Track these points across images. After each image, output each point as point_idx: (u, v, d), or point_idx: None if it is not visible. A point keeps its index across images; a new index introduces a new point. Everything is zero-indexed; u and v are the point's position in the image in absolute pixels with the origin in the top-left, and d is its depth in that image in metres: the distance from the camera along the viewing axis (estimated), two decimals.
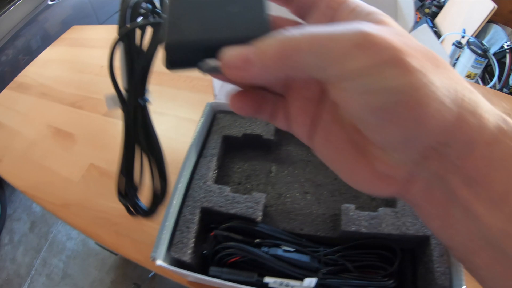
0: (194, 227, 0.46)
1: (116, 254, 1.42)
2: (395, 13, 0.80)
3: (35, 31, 2.07)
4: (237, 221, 0.46)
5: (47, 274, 1.66)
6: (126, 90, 0.31)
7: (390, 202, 0.48)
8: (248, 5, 0.21)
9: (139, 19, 0.28)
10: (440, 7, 2.37)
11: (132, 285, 1.37)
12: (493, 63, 1.81)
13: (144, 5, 0.29)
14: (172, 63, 0.21)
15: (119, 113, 0.33)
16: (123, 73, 0.30)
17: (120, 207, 0.62)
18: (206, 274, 0.44)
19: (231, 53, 0.18)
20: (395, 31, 0.17)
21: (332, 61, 0.16)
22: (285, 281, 0.43)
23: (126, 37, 0.29)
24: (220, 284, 0.41)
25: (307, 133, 0.22)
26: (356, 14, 0.19)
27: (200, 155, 0.56)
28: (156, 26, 0.30)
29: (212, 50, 0.19)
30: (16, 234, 1.84)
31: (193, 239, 0.45)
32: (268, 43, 0.18)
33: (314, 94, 0.22)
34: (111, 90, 0.32)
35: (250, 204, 0.47)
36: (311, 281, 0.42)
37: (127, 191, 0.36)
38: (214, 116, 0.62)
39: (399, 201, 0.46)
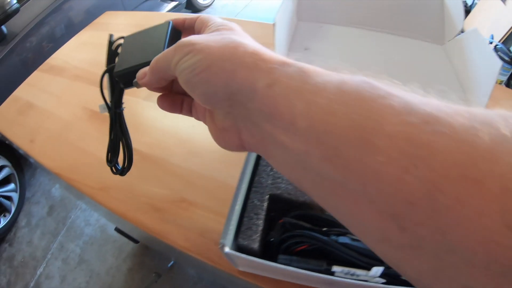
0: (263, 214, 0.44)
1: (136, 242, 1.39)
2: (442, 17, 0.77)
3: (59, 19, 2.07)
4: (306, 209, 0.44)
5: (63, 259, 1.64)
6: (110, 102, 0.47)
7: None
8: (156, 41, 0.34)
9: None
10: (467, 11, 2.33)
11: (152, 274, 1.35)
12: None
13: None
14: (123, 84, 0.38)
15: None
16: (108, 91, 0.45)
17: (164, 192, 0.60)
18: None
19: (138, 73, 0.32)
20: (218, 34, 0.27)
21: (168, 62, 0.27)
22: (352, 270, 0.40)
23: (109, 71, 0.42)
24: (290, 272, 0.38)
25: (203, 117, 0.32)
26: (210, 28, 0.30)
27: None
28: None
29: (135, 72, 0.33)
30: (34, 218, 1.82)
31: (262, 226, 0.43)
32: (151, 63, 0.30)
33: None
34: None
35: None
36: (377, 270, 0.39)
37: (111, 160, 0.52)
38: None
39: None
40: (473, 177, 0.15)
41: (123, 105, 0.49)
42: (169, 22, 0.37)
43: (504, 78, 1.85)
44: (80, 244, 1.66)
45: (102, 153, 0.68)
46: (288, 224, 0.43)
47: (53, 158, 0.73)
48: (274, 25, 0.55)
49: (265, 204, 0.45)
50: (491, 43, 1.87)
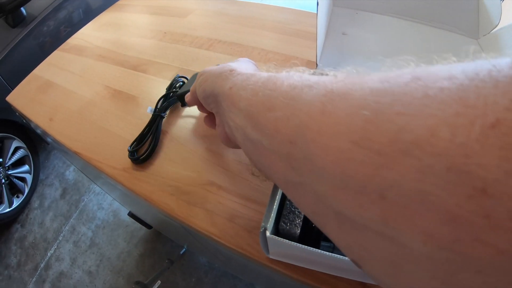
0: None
1: (149, 228, 1.36)
2: (476, 10, 0.72)
3: (77, 4, 2.04)
4: None
5: (74, 241, 1.62)
6: (157, 108, 0.65)
7: None
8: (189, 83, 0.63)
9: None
10: None
11: (166, 261, 1.32)
12: None
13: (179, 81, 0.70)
14: (181, 103, 0.66)
15: None
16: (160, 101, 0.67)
17: (192, 175, 0.56)
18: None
19: (187, 96, 0.47)
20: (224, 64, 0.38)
21: (194, 85, 0.43)
22: None
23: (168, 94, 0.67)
24: (336, 261, 0.34)
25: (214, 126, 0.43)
26: None
27: None
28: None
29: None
30: (46, 200, 1.80)
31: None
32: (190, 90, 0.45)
33: None
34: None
35: None
36: None
37: (134, 147, 0.61)
38: None
39: None
40: (327, 110, 0.18)
41: (166, 114, 0.66)
42: None
43: None
44: (92, 228, 1.64)
45: (126, 133, 0.65)
46: None
47: (72, 137, 0.69)
48: (317, 5, 0.51)
49: None
50: None
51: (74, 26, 2.00)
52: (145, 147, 0.61)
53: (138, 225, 1.25)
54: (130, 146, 0.61)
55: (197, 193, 0.54)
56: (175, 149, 0.61)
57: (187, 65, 0.79)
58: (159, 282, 1.39)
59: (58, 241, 1.64)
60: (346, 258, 0.34)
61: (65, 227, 1.67)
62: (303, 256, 0.37)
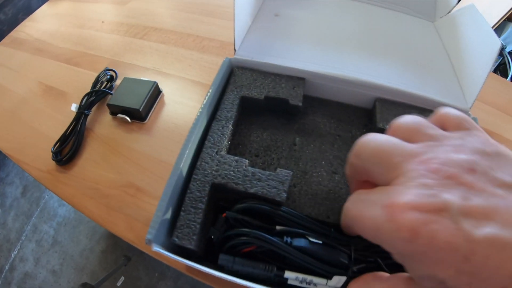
0: (202, 207, 0.36)
1: None
2: None
3: None
4: (254, 201, 0.36)
5: (37, 240, 1.58)
6: (81, 106, 0.61)
7: None
8: (140, 92, 0.60)
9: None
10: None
11: (122, 258, 1.29)
12: (508, 61, 1.73)
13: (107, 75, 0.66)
14: (110, 111, 0.62)
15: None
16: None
17: (112, 177, 0.53)
18: (213, 261, 0.34)
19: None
20: None
21: None
22: (309, 277, 0.33)
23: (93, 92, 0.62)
24: (231, 280, 0.31)
25: None
26: None
27: (212, 118, 0.44)
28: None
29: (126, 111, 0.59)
30: (8, 198, 1.74)
31: (200, 224, 0.35)
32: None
33: None
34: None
35: (274, 183, 0.36)
36: (339, 279, 0.32)
37: (56, 148, 0.58)
38: (232, 73, 0.51)
39: None
40: None
41: (90, 112, 0.62)
42: (154, 82, 0.62)
43: (492, 68, 1.81)
44: (54, 226, 1.60)
45: (53, 133, 0.61)
46: (233, 220, 0.36)
47: (5, 138, 0.65)
48: None
49: (206, 196, 0.36)
50: None
51: (32, 13, 1.92)
52: (69, 147, 0.58)
53: None
54: (54, 147, 0.58)
55: (116, 196, 0.51)
56: (98, 149, 0.58)
57: (119, 56, 0.75)
58: (122, 278, 1.37)
59: (21, 241, 1.60)
60: (240, 281, 0.31)
61: (27, 227, 1.63)
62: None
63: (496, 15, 1.77)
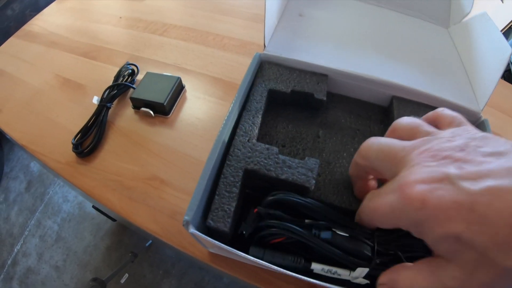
0: (236, 192, 0.37)
1: (114, 220, 1.33)
2: None
3: None
4: (282, 193, 0.37)
5: (40, 236, 1.58)
6: (103, 98, 0.61)
7: None
8: (164, 87, 0.61)
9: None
10: None
11: (129, 254, 1.29)
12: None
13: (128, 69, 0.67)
14: (132, 105, 0.62)
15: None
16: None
17: (135, 169, 0.54)
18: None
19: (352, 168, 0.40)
20: None
21: None
22: (334, 268, 0.34)
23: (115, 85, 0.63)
24: (262, 265, 0.32)
25: None
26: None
27: (243, 108, 0.46)
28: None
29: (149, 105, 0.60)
30: (11, 193, 1.74)
31: (234, 207, 0.36)
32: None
33: None
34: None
35: (303, 170, 0.38)
36: (362, 271, 0.33)
37: (77, 140, 0.58)
38: (261, 66, 0.53)
39: None
40: None
41: (112, 105, 0.63)
42: (178, 78, 0.63)
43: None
44: (58, 221, 1.60)
45: (72, 125, 0.62)
46: (265, 214, 0.36)
47: (20, 129, 0.65)
48: None
49: (240, 181, 0.38)
50: None
51: (40, 9, 1.92)
52: (90, 139, 0.58)
53: (103, 217, 1.22)
54: (74, 139, 0.58)
55: (139, 188, 0.51)
56: (120, 142, 0.58)
57: (139, 52, 0.75)
58: (126, 275, 1.36)
59: (24, 236, 1.59)
60: (271, 266, 0.32)
61: (31, 221, 1.62)
62: (235, 256, 0.35)
63: (502, 22, 1.79)
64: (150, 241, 1.39)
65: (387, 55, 0.56)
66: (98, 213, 1.21)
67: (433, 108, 0.49)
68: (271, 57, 0.53)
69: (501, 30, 1.71)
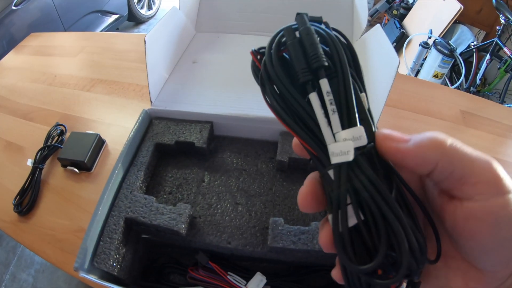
0: (116, 238, 0.47)
1: None
2: (351, 15, 0.81)
3: (0, 36, 2.05)
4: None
5: None
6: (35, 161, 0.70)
7: (323, 216, 0.46)
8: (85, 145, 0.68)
9: None
10: (408, 8, 2.46)
11: None
12: (460, 62, 1.88)
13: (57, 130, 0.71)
14: (61, 164, 0.71)
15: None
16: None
17: (65, 223, 0.65)
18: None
19: None
20: None
21: None
22: None
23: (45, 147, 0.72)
24: None
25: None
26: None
27: (131, 163, 0.56)
28: None
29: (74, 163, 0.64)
30: None
31: (115, 250, 0.46)
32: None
33: None
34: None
35: (174, 215, 0.48)
36: None
37: (17, 201, 0.64)
38: (151, 123, 0.63)
39: None
40: None
41: (44, 165, 0.70)
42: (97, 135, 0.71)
43: (445, 71, 1.94)
44: (32, 273, 1.68)
45: (14, 186, 0.73)
46: None
47: None
48: (144, 42, 0.58)
49: (121, 228, 0.47)
50: (430, 37, 1.97)
51: None
52: (27, 199, 0.68)
53: None
54: (14, 200, 0.68)
55: (69, 240, 0.61)
56: (53, 199, 0.68)
57: (69, 110, 0.87)
58: None
59: None
60: None
61: (5, 276, 1.70)
62: None
63: (445, 19, 1.92)
64: None
65: None
66: None
67: None
68: (158, 111, 0.62)
69: (446, 26, 1.84)
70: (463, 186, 0.21)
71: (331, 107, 0.23)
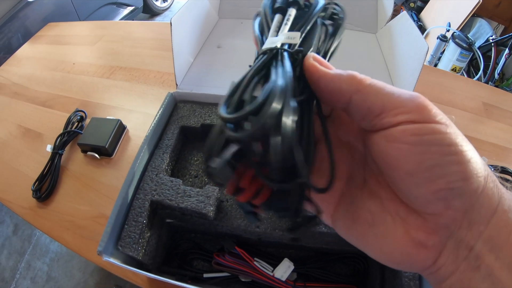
0: (142, 221, 0.45)
1: None
2: (375, 6, 0.79)
3: (15, 29, 2.05)
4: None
5: (31, 278, 1.66)
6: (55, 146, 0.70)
7: None
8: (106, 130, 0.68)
9: None
10: (425, 1, 2.41)
11: (113, 287, 1.37)
12: (478, 56, 1.83)
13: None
14: (81, 150, 0.70)
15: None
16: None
17: (85, 209, 0.63)
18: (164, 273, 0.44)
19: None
20: None
21: None
22: None
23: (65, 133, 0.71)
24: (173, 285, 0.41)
25: (330, 216, 0.26)
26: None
27: (156, 146, 0.55)
28: None
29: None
30: (0, 238, 1.83)
31: (139, 234, 0.45)
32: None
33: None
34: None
35: (202, 198, 0.46)
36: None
37: (36, 186, 0.64)
38: (175, 106, 0.61)
39: None
40: None
41: (63, 151, 0.70)
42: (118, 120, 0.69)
43: (463, 65, 1.90)
44: (47, 261, 1.68)
45: (33, 172, 0.72)
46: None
47: None
48: (170, 25, 0.57)
49: (146, 211, 0.46)
50: (448, 30, 1.93)
51: (13, 51, 2.02)
52: (46, 185, 0.67)
53: None
54: (33, 186, 0.68)
55: (89, 226, 0.61)
56: (72, 184, 0.68)
57: (88, 97, 0.86)
58: None
59: (15, 279, 1.67)
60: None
61: (20, 264, 1.71)
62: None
63: (464, 12, 1.88)
64: None
65: None
66: None
67: None
68: (183, 94, 0.61)
69: (464, 19, 1.80)
70: (384, 120, 0.21)
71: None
